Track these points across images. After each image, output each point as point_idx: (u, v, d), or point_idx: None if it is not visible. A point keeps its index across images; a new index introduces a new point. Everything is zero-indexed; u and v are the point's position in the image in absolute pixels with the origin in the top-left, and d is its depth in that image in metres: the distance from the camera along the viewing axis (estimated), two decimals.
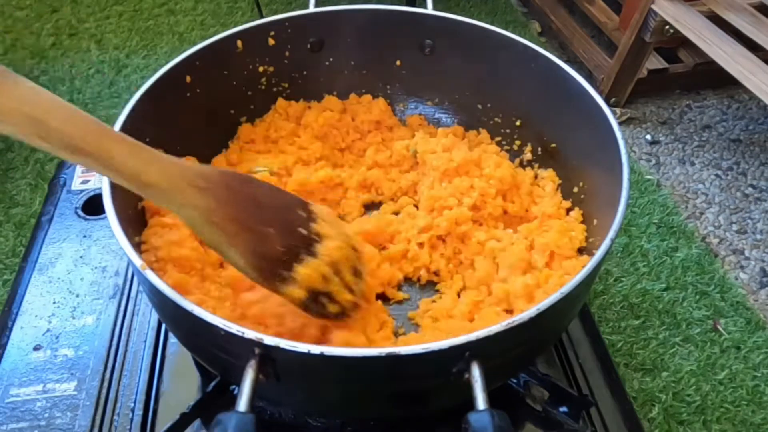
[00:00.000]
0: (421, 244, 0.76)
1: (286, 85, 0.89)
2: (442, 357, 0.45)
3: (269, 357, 0.45)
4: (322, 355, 0.43)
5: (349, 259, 0.60)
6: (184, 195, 0.49)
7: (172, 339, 0.75)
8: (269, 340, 0.44)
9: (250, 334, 0.44)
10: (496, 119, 0.88)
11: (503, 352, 0.51)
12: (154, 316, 0.77)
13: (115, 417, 0.68)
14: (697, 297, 1.31)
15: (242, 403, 0.41)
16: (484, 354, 0.46)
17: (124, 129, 0.64)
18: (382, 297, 0.74)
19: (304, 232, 0.57)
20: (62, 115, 0.41)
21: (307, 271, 0.55)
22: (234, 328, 0.44)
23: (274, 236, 0.55)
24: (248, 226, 0.53)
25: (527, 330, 0.48)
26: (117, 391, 0.70)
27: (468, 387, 0.44)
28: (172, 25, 2.07)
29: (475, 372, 0.44)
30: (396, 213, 0.81)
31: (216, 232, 0.52)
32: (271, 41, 0.84)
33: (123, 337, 0.75)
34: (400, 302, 0.75)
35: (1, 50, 1.91)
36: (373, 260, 0.73)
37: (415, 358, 0.44)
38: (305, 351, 0.43)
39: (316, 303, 0.58)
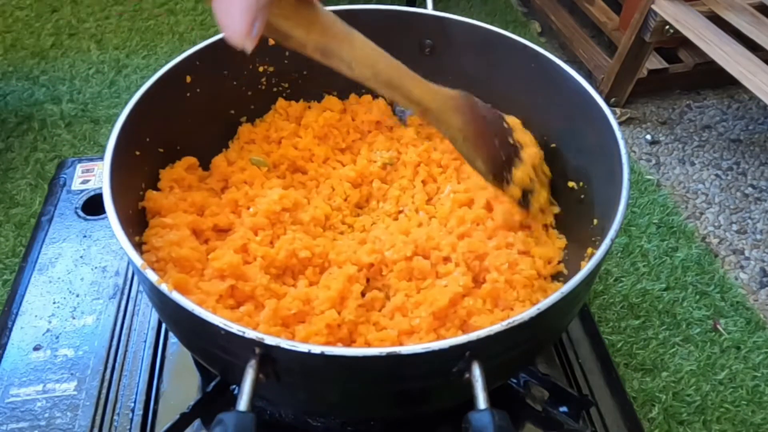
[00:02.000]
0: None
1: (287, 85, 0.89)
2: (443, 357, 0.45)
3: (270, 357, 0.45)
4: (322, 355, 0.43)
5: (541, 162, 0.73)
6: (448, 115, 0.63)
7: (173, 339, 0.75)
8: (270, 339, 0.44)
9: (251, 333, 0.44)
10: None
11: (503, 352, 0.51)
12: (154, 316, 0.77)
13: (115, 417, 0.68)
14: (697, 297, 1.31)
15: (242, 403, 0.41)
16: (484, 353, 0.46)
17: (124, 129, 0.64)
18: None
19: (512, 140, 0.70)
20: (384, 61, 0.58)
21: (520, 173, 0.68)
22: (234, 328, 0.44)
23: (498, 146, 0.68)
24: (486, 138, 0.67)
25: (527, 330, 0.48)
26: (117, 391, 0.70)
27: (468, 387, 0.44)
28: (172, 25, 2.07)
29: (476, 371, 0.44)
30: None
31: (468, 145, 0.65)
32: (271, 41, 0.83)
33: (123, 337, 0.75)
34: None
35: (1, 50, 1.91)
36: None
37: (416, 358, 0.45)
38: (306, 351, 0.43)
39: (524, 199, 0.70)
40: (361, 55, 0.55)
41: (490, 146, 0.67)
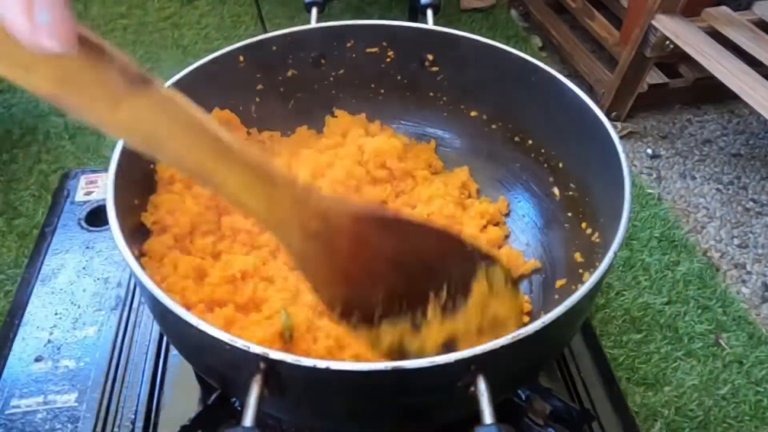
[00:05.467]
0: None
1: (291, 104, 0.89)
2: (448, 370, 0.45)
3: (274, 371, 0.45)
4: (327, 370, 0.43)
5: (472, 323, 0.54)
6: (289, 232, 0.46)
7: (174, 351, 0.75)
8: (275, 354, 0.43)
9: (256, 348, 0.44)
10: (497, 135, 0.89)
11: (508, 366, 0.51)
12: (156, 328, 0.77)
13: (116, 429, 0.68)
14: (699, 311, 1.31)
15: (248, 419, 0.41)
16: (489, 367, 0.46)
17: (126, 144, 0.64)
18: None
19: (429, 299, 0.52)
20: (184, 131, 0.38)
21: (390, 334, 0.51)
22: (239, 343, 0.44)
23: (377, 295, 0.50)
24: (351, 280, 0.50)
25: (532, 343, 0.48)
26: (118, 402, 0.70)
27: (473, 401, 0.44)
28: (176, 38, 2.08)
29: (481, 386, 0.44)
30: None
31: (307, 269, 0.49)
32: (274, 56, 0.84)
33: (124, 349, 0.75)
34: None
35: None
36: None
37: (421, 372, 0.44)
38: (311, 365, 0.43)
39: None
40: (126, 121, 0.36)
41: (352, 287, 0.49)
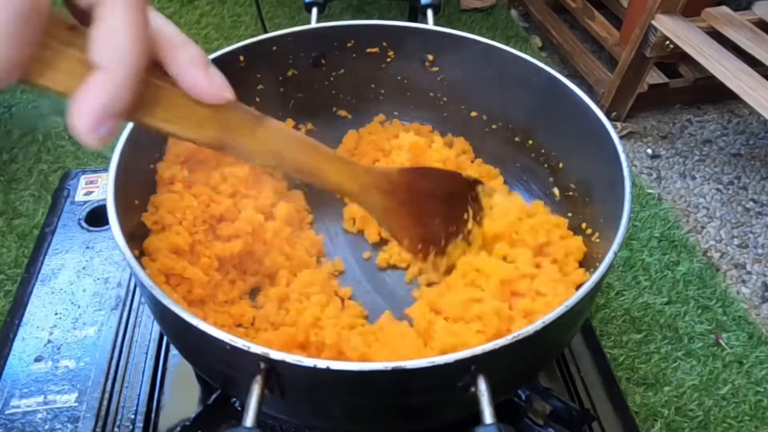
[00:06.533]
0: None
1: (291, 105, 0.89)
2: (448, 371, 0.45)
3: (275, 371, 0.45)
4: (328, 369, 0.43)
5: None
6: (372, 197, 0.62)
7: (174, 351, 0.75)
8: (275, 354, 0.43)
9: (257, 348, 0.44)
10: (497, 135, 0.89)
11: (508, 366, 0.51)
12: (156, 328, 0.77)
13: (116, 429, 0.67)
14: (699, 311, 1.31)
15: (249, 419, 0.41)
16: (489, 367, 0.46)
17: (128, 141, 0.64)
18: None
19: (468, 215, 0.71)
20: (294, 146, 0.51)
21: (458, 252, 0.70)
22: (240, 343, 0.44)
23: (438, 225, 0.68)
24: (420, 219, 0.67)
25: (532, 343, 0.48)
26: (118, 402, 0.70)
27: (474, 401, 0.44)
28: None
29: (482, 386, 0.44)
30: None
31: (391, 224, 0.65)
32: (274, 56, 0.84)
33: (124, 349, 0.75)
34: None
35: None
36: None
37: (421, 372, 0.44)
38: (311, 365, 0.43)
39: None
40: (261, 148, 0.47)
41: (423, 226, 0.67)
